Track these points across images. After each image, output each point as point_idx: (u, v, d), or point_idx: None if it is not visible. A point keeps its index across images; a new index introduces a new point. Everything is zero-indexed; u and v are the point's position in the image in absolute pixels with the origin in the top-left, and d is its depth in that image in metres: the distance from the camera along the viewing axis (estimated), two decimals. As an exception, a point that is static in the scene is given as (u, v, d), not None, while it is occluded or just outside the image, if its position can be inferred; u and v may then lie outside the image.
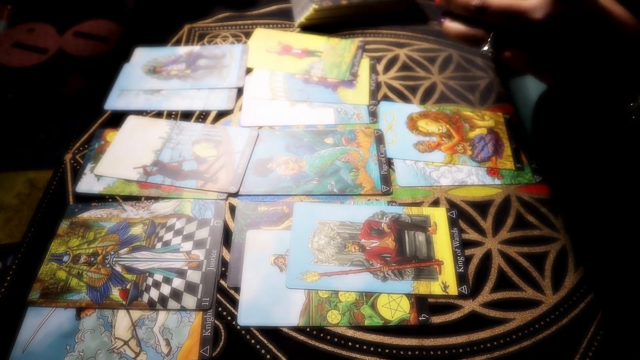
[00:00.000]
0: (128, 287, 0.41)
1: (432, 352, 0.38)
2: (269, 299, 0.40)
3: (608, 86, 0.37)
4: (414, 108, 0.56)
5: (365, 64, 0.62)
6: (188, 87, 0.58)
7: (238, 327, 0.39)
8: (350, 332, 0.39)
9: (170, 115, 0.56)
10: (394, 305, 0.40)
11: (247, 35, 0.66)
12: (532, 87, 0.55)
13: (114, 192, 0.48)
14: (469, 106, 0.57)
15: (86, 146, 0.53)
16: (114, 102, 0.57)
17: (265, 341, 0.39)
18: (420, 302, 0.40)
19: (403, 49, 0.64)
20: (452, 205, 0.47)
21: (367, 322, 0.39)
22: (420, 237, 0.44)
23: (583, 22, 0.35)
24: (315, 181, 0.49)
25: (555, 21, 0.36)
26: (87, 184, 0.49)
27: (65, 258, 0.43)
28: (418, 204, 0.47)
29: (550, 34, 0.37)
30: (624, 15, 0.36)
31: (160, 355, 0.38)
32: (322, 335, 0.39)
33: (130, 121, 0.55)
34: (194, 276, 0.42)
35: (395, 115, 0.55)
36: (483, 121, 0.55)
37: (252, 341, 0.39)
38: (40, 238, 0.45)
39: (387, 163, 0.50)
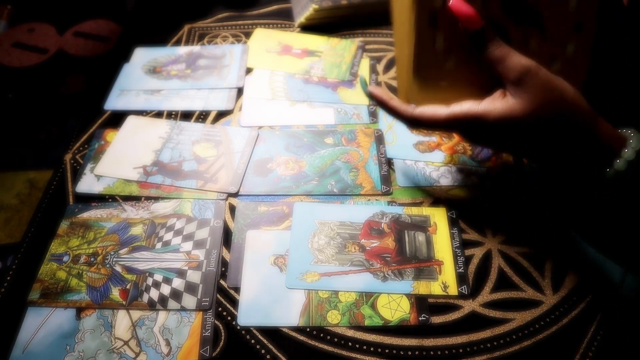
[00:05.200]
0: (128, 287, 0.41)
1: (432, 352, 0.38)
2: (269, 299, 0.40)
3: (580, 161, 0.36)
4: (414, 108, 0.56)
5: (365, 64, 0.62)
6: (188, 87, 0.58)
7: (238, 327, 0.39)
8: (350, 332, 0.39)
9: (170, 115, 0.56)
10: (394, 306, 0.40)
11: (247, 35, 0.66)
12: None
13: (114, 192, 0.48)
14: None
15: (86, 146, 0.53)
16: (114, 102, 0.57)
17: (265, 341, 0.39)
18: (420, 302, 0.40)
19: (403, 49, 0.64)
20: (452, 205, 0.47)
21: (367, 322, 0.39)
22: (420, 237, 0.44)
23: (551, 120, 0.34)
24: (315, 181, 0.49)
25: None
26: (87, 184, 0.49)
27: (65, 258, 0.43)
28: (418, 204, 0.47)
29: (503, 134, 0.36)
30: (584, 105, 0.34)
31: (160, 355, 0.38)
32: (322, 335, 0.39)
33: (130, 121, 0.55)
34: (194, 276, 0.42)
35: (395, 115, 0.55)
36: (483, 121, 0.55)
37: (252, 341, 0.39)
38: (40, 238, 0.45)
39: (387, 163, 0.50)
